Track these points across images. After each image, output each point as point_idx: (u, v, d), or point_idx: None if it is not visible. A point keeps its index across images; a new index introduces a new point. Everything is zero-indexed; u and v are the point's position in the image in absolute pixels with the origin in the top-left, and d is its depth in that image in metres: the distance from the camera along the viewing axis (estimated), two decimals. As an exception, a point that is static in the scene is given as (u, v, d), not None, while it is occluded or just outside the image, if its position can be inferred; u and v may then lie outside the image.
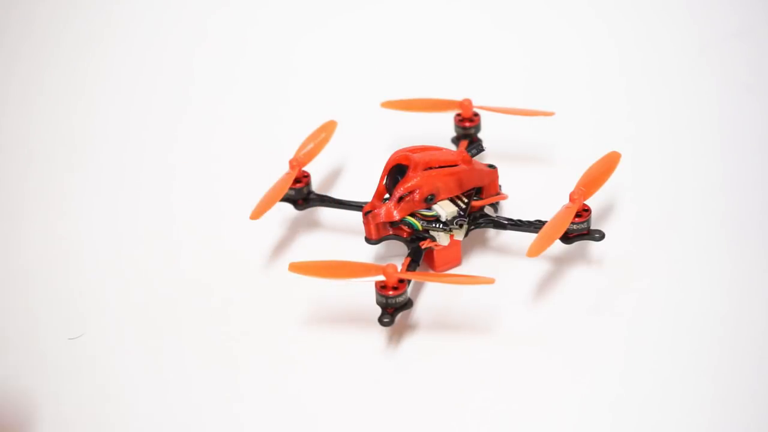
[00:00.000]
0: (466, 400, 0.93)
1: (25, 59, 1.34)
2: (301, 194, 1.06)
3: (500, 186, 1.05)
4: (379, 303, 0.96)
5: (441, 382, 0.94)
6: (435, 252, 1.01)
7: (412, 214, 1.00)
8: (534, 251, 0.95)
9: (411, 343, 0.97)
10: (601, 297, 1.00)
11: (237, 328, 0.99)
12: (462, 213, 1.01)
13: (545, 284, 1.01)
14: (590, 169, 1.02)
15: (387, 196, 1.01)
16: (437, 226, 1.00)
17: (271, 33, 1.36)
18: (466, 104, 1.12)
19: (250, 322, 1.00)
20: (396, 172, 1.00)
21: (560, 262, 1.03)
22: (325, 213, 1.10)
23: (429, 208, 1.00)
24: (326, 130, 1.10)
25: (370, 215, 1.00)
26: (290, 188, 1.06)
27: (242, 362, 0.96)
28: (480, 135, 1.13)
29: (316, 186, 1.13)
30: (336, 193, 1.12)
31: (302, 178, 1.06)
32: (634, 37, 1.32)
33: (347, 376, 0.95)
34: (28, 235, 1.10)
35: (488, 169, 1.03)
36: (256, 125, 1.24)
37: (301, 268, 0.95)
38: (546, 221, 1.00)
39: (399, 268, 0.98)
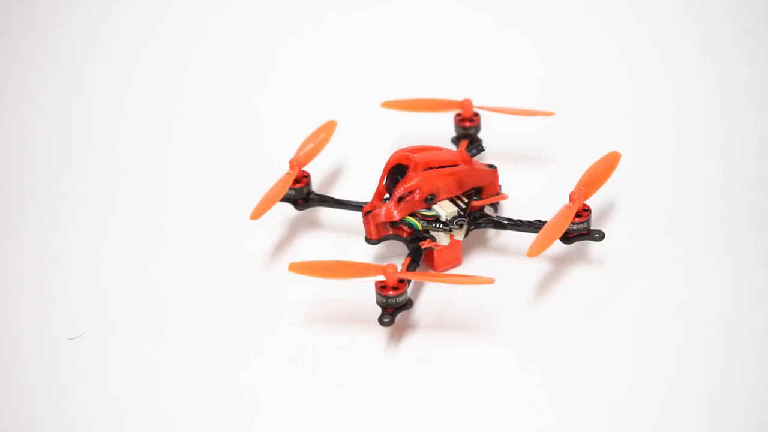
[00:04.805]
0: (466, 399, 0.93)
1: (23, 60, 1.34)
2: (301, 194, 1.06)
3: (500, 186, 1.05)
4: (379, 303, 0.96)
5: (441, 382, 0.94)
6: (435, 252, 1.01)
7: (412, 214, 1.00)
8: (534, 251, 0.95)
9: (411, 343, 0.97)
10: (601, 297, 1.00)
11: (237, 328, 0.99)
12: (462, 213, 1.01)
13: (545, 284, 1.01)
14: (590, 169, 1.02)
15: (387, 196, 1.01)
16: (437, 226, 1.00)
17: (272, 33, 1.36)
18: (466, 104, 1.12)
19: (250, 322, 1.00)
20: (396, 172, 1.00)
21: (560, 262, 1.03)
22: (325, 213, 1.10)
23: (429, 208, 1.00)
24: (326, 130, 1.10)
25: (370, 215, 1.00)
26: (290, 188, 1.06)
27: (242, 362, 0.96)
28: (480, 135, 1.13)
29: (316, 186, 1.13)
30: (336, 193, 1.12)
31: (302, 178, 1.06)
32: (634, 37, 1.32)
33: (347, 376, 0.95)
34: (28, 235, 1.10)
35: (488, 169, 1.03)
36: (256, 125, 1.24)
37: (301, 268, 0.95)
38: (546, 221, 1.00)
39: (399, 268, 0.98)
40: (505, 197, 1.04)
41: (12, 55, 1.34)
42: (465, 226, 1.01)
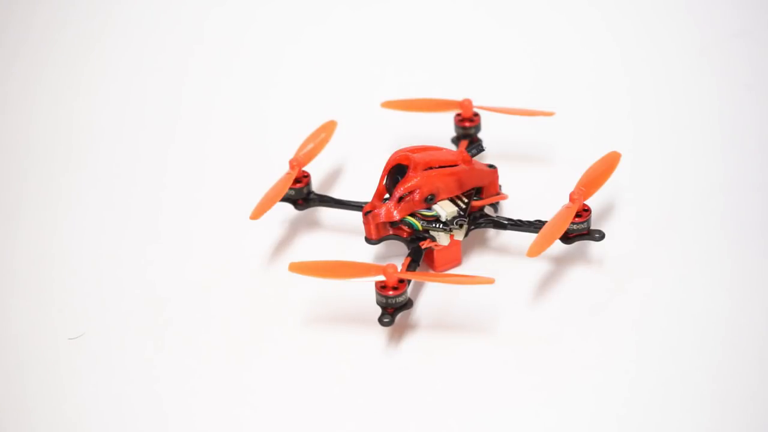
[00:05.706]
0: (466, 400, 0.93)
1: (23, 60, 1.34)
2: (301, 194, 1.06)
3: (500, 186, 1.05)
4: (379, 303, 0.96)
5: (441, 381, 0.94)
6: (435, 252, 1.01)
7: (412, 214, 1.00)
8: (534, 251, 0.95)
9: (411, 343, 0.97)
10: (601, 297, 1.00)
11: (237, 328, 0.99)
12: (462, 213, 1.01)
13: (545, 284, 1.01)
14: (590, 169, 1.02)
15: (387, 196, 1.01)
16: (437, 226, 1.00)
17: (271, 32, 1.36)
18: (466, 104, 1.12)
19: (250, 322, 1.00)
20: (396, 172, 1.00)
21: (560, 262, 1.03)
22: (325, 213, 1.10)
23: (429, 208, 1.00)
24: (326, 130, 1.10)
25: (370, 215, 1.00)
26: (290, 188, 1.06)
27: (242, 362, 0.96)
28: (480, 135, 1.13)
29: (316, 186, 1.13)
30: (336, 193, 1.12)
31: (302, 178, 1.06)
32: (634, 37, 1.32)
33: (347, 376, 0.95)
34: (27, 234, 1.10)
35: (488, 169, 1.03)
36: (256, 125, 1.24)
37: (301, 268, 0.95)
38: (546, 221, 1.00)
39: (399, 268, 0.98)
40: (505, 197, 1.04)
41: (12, 55, 1.34)
42: (465, 226, 1.01)
